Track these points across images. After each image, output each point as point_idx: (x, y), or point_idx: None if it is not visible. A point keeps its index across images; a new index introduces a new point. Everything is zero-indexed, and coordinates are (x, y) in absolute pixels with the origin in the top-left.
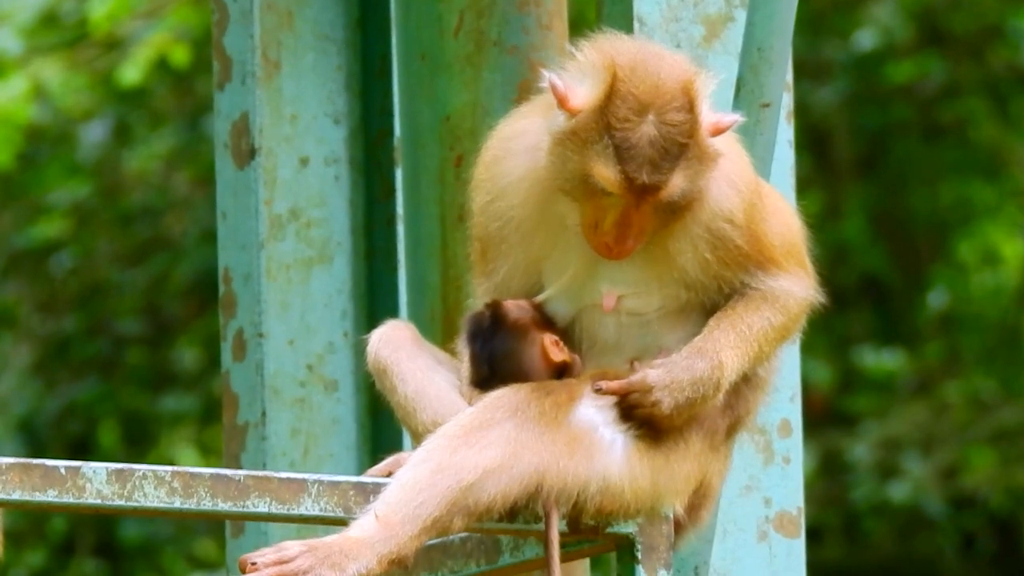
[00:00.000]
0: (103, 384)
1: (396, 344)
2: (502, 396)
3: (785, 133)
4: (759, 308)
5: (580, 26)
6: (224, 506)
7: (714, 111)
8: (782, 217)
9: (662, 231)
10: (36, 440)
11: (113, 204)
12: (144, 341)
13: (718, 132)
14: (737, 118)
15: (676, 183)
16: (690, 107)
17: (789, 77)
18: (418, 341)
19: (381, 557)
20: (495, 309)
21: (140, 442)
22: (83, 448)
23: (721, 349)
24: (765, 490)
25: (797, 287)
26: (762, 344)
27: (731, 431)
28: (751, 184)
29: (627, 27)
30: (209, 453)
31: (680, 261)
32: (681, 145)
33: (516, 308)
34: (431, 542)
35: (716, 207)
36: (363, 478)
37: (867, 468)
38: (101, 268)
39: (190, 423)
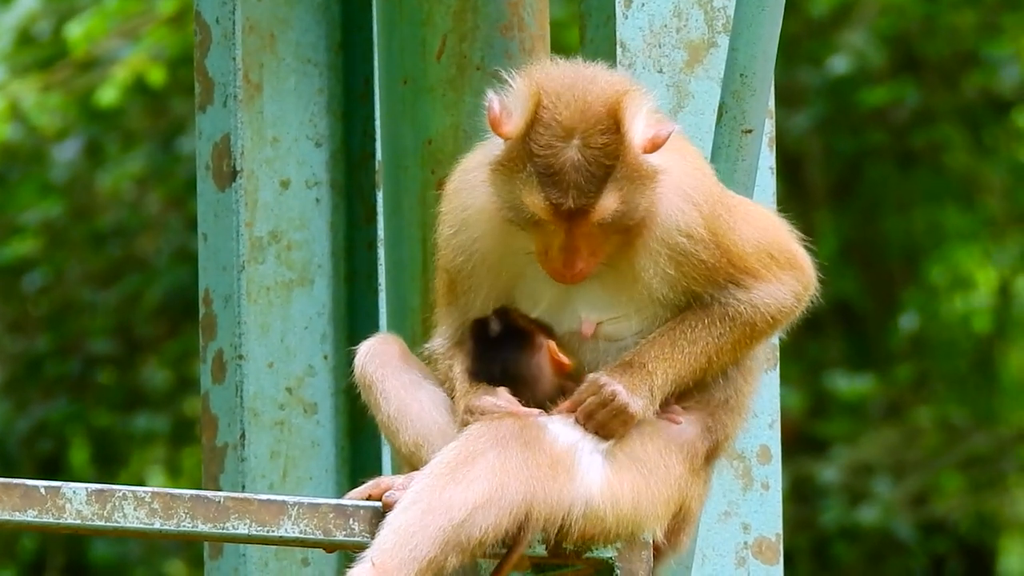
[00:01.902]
0: (74, 403)
1: (383, 359)
2: (483, 427)
3: (767, 159)
4: (712, 324)
5: (563, 51)
6: (204, 527)
7: (653, 125)
8: (755, 222)
9: (624, 251)
10: (6, 459)
11: (86, 224)
12: (115, 361)
13: (654, 147)
14: (673, 129)
15: (607, 204)
16: (616, 128)
17: (771, 103)
18: (405, 356)
19: None
20: (504, 315)
21: (111, 462)
22: (54, 467)
23: (649, 361)
24: (744, 516)
25: (777, 294)
26: (712, 357)
27: (710, 456)
28: (710, 196)
29: (610, 52)
30: (179, 474)
31: (646, 280)
32: (607, 167)
33: (521, 315)
34: None
35: (670, 222)
36: (343, 500)
37: (838, 492)
38: (73, 288)
39: (161, 443)
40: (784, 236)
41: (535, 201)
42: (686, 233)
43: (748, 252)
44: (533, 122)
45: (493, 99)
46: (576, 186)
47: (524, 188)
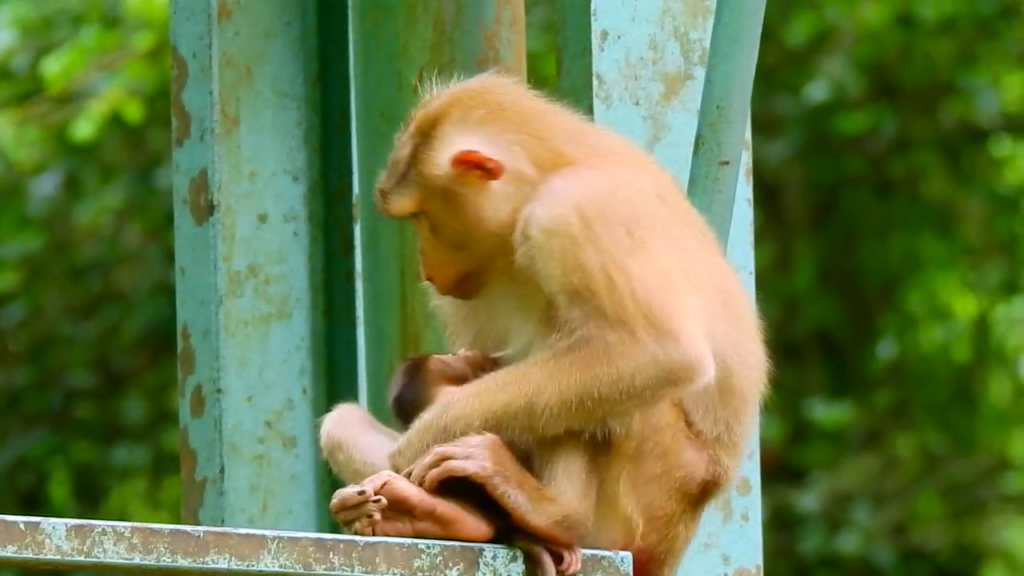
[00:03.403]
0: (54, 437)
1: (348, 423)
2: None
3: (744, 191)
4: (553, 358)
5: (540, 83)
6: (184, 562)
7: (476, 143)
8: (656, 275)
9: (507, 278)
10: None
11: (64, 257)
12: (95, 394)
13: (462, 163)
14: (479, 153)
15: (397, 202)
16: (427, 132)
17: (748, 135)
18: (370, 420)
19: None
20: (419, 360)
21: (91, 495)
22: (33, 501)
23: (460, 394)
24: (724, 547)
25: (638, 354)
26: (542, 400)
27: (705, 494)
28: (603, 208)
29: (586, 84)
30: (160, 507)
31: (526, 305)
32: (407, 167)
33: (438, 362)
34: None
35: (522, 242)
36: (322, 535)
37: (817, 520)
38: (52, 321)
39: (141, 476)
40: (678, 306)
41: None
42: (548, 229)
43: (625, 291)
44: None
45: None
46: (388, 176)
47: None
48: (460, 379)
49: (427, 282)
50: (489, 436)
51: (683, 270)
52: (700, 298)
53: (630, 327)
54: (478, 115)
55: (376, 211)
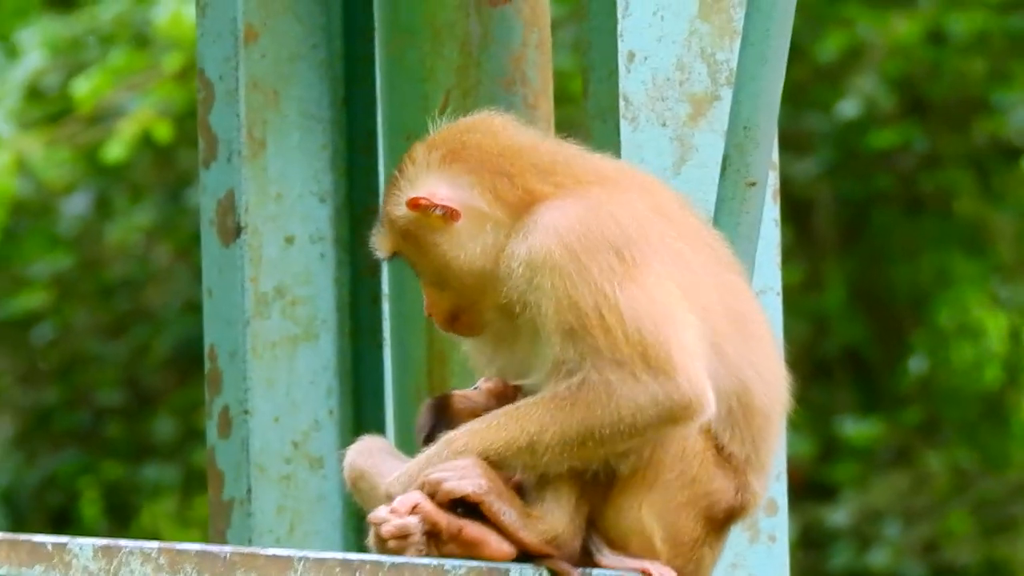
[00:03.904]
0: (83, 455)
1: (370, 452)
2: None
3: (771, 212)
4: (554, 398)
5: (566, 103)
6: None
7: (431, 186)
8: (649, 307)
9: (490, 311)
10: (17, 512)
11: (94, 276)
12: (124, 412)
13: (417, 207)
14: (430, 199)
15: (379, 243)
16: (397, 174)
17: (775, 155)
18: (393, 450)
19: None
20: (443, 398)
21: (121, 513)
22: (64, 520)
23: (462, 430)
24: (751, 568)
25: (635, 392)
26: (544, 438)
27: (733, 516)
28: (587, 236)
29: (613, 106)
30: (190, 525)
31: (535, 335)
32: (385, 209)
33: (462, 399)
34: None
35: (508, 279)
36: (349, 555)
37: (847, 536)
38: (82, 340)
39: (171, 495)
40: (674, 341)
41: None
42: (532, 263)
43: (619, 331)
44: None
45: None
46: (377, 216)
47: None
48: (485, 412)
49: (429, 317)
50: (475, 457)
51: (683, 288)
52: (698, 323)
53: (628, 367)
54: (438, 156)
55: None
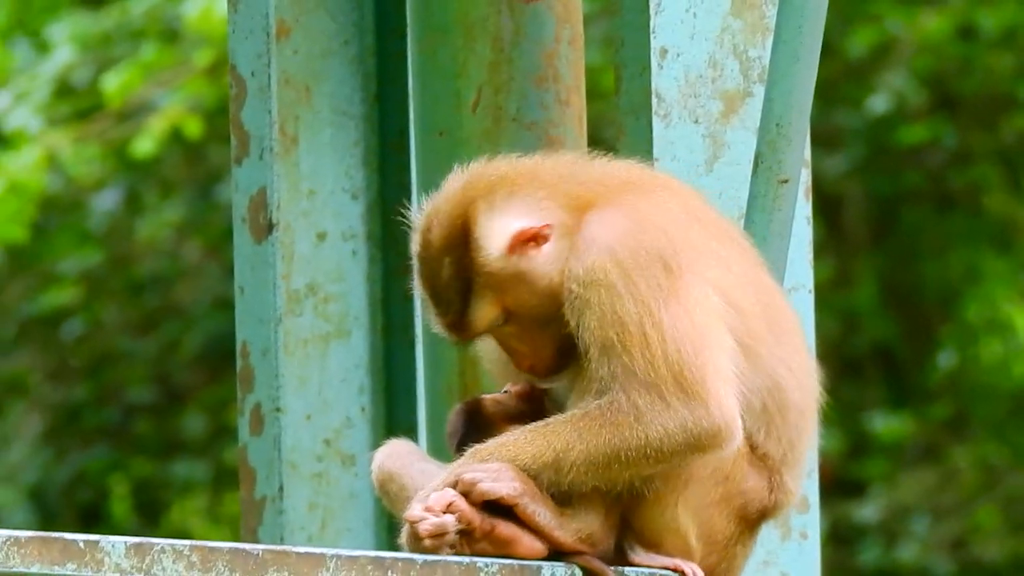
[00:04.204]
0: (113, 452)
1: (399, 455)
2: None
3: (803, 209)
4: (584, 417)
5: (598, 98)
6: None
7: (517, 221)
8: (690, 329)
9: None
10: (46, 509)
11: (124, 272)
12: (154, 409)
13: (520, 243)
14: (528, 230)
15: (480, 316)
16: (465, 243)
17: (807, 153)
18: (421, 453)
19: None
20: (474, 403)
21: (151, 510)
22: (93, 517)
23: (489, 444)
24: (782, 565)
25: (665, 419)
26: (572, 458)
27: (766, 514)
28: (636, 250)
29: (645, 103)
30: (220, 522)
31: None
32: (466, 281)
33: (493, 404)
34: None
35: (567, 296)
36: (381, 553)
37: (876, 532)
38: (111, 336)
39: (201, 492)
40: (709, 366)
41: (429, 320)
42: (587, 281)
43: (658, 351)
44: (416, 248)
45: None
46: (447, 302)
47: (424, 306)
48: (517, 416)
49: (530, 374)
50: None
51: (723, 290)
52: (732, 342)
53: (660, 390)
54: (501, 196)
55: (455, 336)
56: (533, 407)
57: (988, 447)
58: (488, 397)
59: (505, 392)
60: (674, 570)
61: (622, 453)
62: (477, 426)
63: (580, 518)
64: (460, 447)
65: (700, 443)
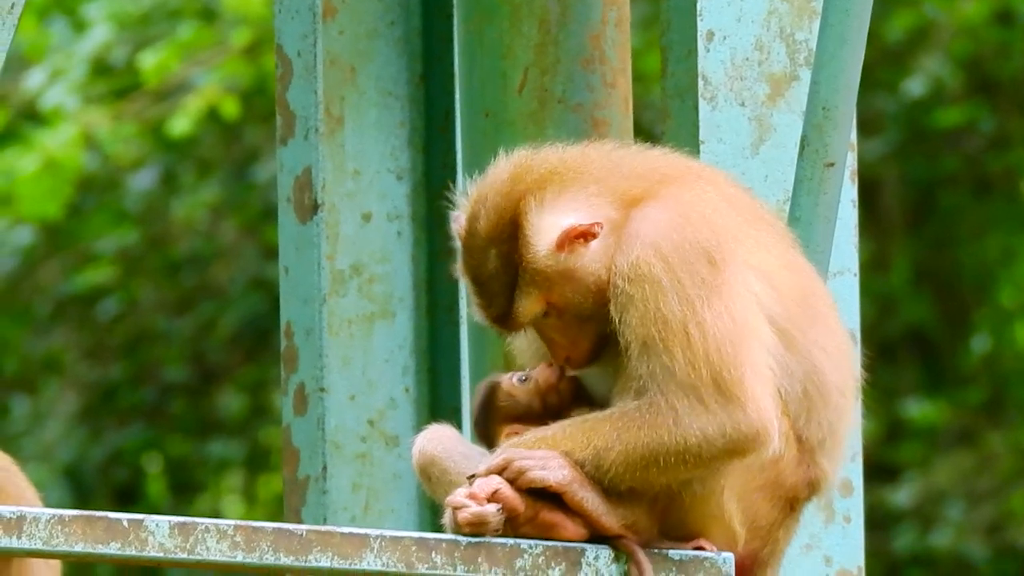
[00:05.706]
0: (149, 432)
1: (440, 439)
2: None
3: (849, 192)
4: (623, 416)
5: (644, 81)
6: (286, 560)
7: (566, 218)
8: (731, 328)
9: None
10: (82, 487)
11: (160, 252)
12: (190, 389)
13: (570, 240)
14: (577, 227)
15: (525, 310)
16: (513, 237)
17: (853, 136)
18: (461, 438)
19: None
20: (493, 385)
21: (186, 490)
22: (129, 495)
23: (527, 436)
24: (826, 549)
25: (703, 422)
26: (610, 456)
27: (805, 497)
28: (680, 247)
29: (691, 85)
30: (255, 503)
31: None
32: (512, 275)
33: (506, 395)
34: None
35: (613, 292)
36: (425, 534)
37: (911, 517)
38: (147, 316)
39: (236, 471)
40: (748, 366)
41: (473, 310)
42: (632, 277)
43: (700, 351)
44: (462, 236)
45: (455, 213)
46: (492, 294)
47: (468, 294)
48: (523, 414)
49: (564, 364)
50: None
51: (763, 276)
52: (770, 334)
53: (699, 393)
54: (551, 191)
55: (498, 327)
56: (546, 402)
57: (1023, 432)
58: (507, 384)
59: (524, 378)
60: (697, 548)
61: (660, 457)
62: (488, 413)
63: (625, 505)
64: (474, 426)
65: (738, 447)
